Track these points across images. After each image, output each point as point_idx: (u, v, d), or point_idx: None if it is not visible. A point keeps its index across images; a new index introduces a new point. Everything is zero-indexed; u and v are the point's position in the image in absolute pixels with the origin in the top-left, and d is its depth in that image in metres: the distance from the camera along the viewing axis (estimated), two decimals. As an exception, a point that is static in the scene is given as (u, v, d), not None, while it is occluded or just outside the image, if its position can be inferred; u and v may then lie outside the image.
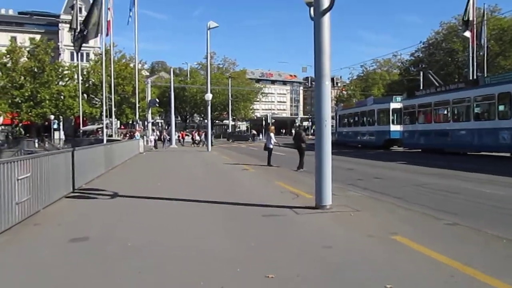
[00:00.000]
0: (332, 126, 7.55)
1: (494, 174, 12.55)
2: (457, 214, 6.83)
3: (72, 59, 56.15)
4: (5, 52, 48.65)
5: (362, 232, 5.46)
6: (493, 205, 7.88)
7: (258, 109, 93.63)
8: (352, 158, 21.02)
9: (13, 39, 52.70)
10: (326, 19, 6.82)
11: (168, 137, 39.26)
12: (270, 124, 35.87)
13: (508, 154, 18.12)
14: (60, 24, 59.80)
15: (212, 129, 38.83)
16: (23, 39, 53.84)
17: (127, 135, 44.00)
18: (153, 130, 42.57)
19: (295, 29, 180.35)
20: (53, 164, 7.85)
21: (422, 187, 10.42)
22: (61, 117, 51.02)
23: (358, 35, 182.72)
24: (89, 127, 52.51)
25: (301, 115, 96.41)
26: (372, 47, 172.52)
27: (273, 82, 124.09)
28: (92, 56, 56.71)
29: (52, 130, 49.22)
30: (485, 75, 27.34)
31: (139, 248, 4.85)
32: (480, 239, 5.12)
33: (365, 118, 32.38)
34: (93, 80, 52.23)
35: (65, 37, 57.27)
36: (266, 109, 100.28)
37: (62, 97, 49.88)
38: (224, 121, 77.18)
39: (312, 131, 61.85)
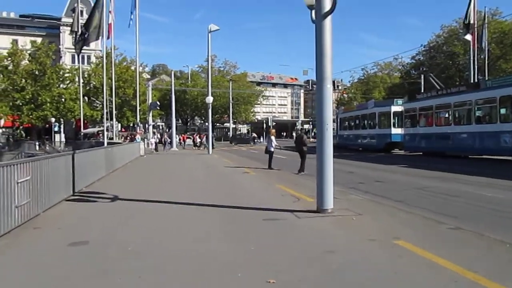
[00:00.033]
0: (332, 129, 7.51)
1: (495, 177, 12.52)
2: (457, 218, 6.81)
3: (73, 62, 56.22)
4: (7, 54, 48.77)
5: (363, 236, 5.43)
6: (493, 208, 7.86)
7: (259, 112, 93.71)
8: (353, 161, 20.98)
9: (15, 42, 52.83)
10: (328, 22, 6.80)
11: (169, 140, 39.24)
12: (271, 127, 35.82)
13: (509, 158, 18.06)
14: (61, 27, 59.84)
15: (213, 132, 38.83)
16: (25, 42, 53.90)
17: (128, 138, 44.03)
18: (154, 133, 42.53)
19: (296, 32, 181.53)
20: (53, 167, 7.83)
21: (423, 191, 10.39)
22: (62, 119, 51.09)
23: (359, 37, 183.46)
24: (90, 130, 52.53)
25: (302, 118, 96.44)
26: (373, 49, 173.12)
27: (274, 85, 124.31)
28: (93, 59, 56.79)
29: (53, 132, 49.30)
30: (486, 78, 27.30)
31: (140, 252, 4.82)
32: (482, 243, 5.09)
33: (366, 121, 32.34)
34: (94, 83, 52.27)
35: (66, 40, 57.29)
36: (267, 112, 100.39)
37: (63, 99, 49.92)
38: (225, 124, 77.17)
39: (313, 134, 61.86)
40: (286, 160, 20.65)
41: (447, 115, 23.07)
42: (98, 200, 8.79)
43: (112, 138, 34.70)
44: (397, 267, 4.23)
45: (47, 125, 50.47)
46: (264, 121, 68.85)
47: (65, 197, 8.61)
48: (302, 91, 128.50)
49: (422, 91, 34.53)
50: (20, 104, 48.01)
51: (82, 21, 29.51)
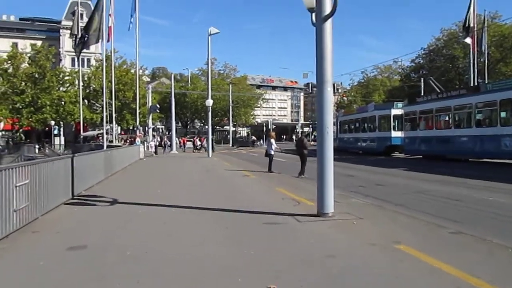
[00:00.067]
0: (333, 132, 7.47)
1: (495, 181, 12.48)
2: (458, 222, 6.79)
3: (73, 65, 56.30)
4: (6, 58, 48.80)
5: (364, 241, 5.39)
6: (494, 212, 7.82)
7: (258, 115, 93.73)
8: (353, 164, 20.96)
9: (14, 45, 52.91)
10: (328, 25, 6.78)
11: (169, 142, 39.24)
12: (271, 130, 35.78)
13: (510, 161, 18.02)
14: (61, 30, 60.00)
15: (212, 134, 38.81)
16: (25, 45, 54.02)
17: (128, 141, 44.02)
18: (153, 136, 42.52)
19: (296, 35, 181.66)
20: (52, 170, 7.79)
21: (424, 194, 10.36)
22: (61, 122, 51.05)
23: (359, 40, 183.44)
24: (90, 133, 52.54)
25: (301, 121, 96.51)
26: (373, 52, 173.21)
27: (274, 88, 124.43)
28: (93, 62, 56.88)
29: (53, 135, 49.23)
30: (486, 82, 27.33)
31: (138, 256, 4.78)
32: (484, 248, 5.05)
33: (366, 124, 32.35)
34: (94, 86, 52.32)
35: (66, 43, 57.39)
36: (266, 115, 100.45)
37: (62, 102, 49.93)
38: (225, 127, 77.20)
39: (313, 137, 61.86)
40: (286, 163, 20.62)
41: (447, 118, 23.07)
42: (97, 204, 8.74)
43: (111, 141, 34.75)
44: (398, 271, 4.19)
45: (47, 128, 50.43)
46: (264, 124, 68.83)
47: (64, 201, 8.56)
48: (302, 94, 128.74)
49: (422, 94, 34.58)
50: (20, 107, 47.99)
51: (82, 24, 29.60)
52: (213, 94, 38.18)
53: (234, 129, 74.89)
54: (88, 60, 57.35)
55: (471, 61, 30.02)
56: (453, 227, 6.18)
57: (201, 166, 20.32)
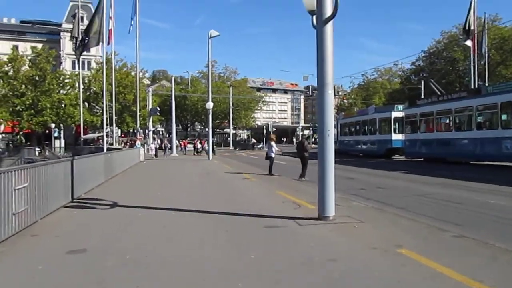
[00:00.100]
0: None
1: (496, 183, 12.45)
2: (460, 225, 6.76)
3: (73, 67, 56.31)
4: (7, 60, 48.86)
5: (366, 244, 5.36)
6: (496, 215, 7.80)
7: (259, 118, 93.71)
8: (354, 167, 20.92)
9: (15, 47, 52.99)
10: (329, 27, 6.76)
11: (169, 145, 39.21)
12: (271, 133, 35.75)
13: (511, 164, 17.99)
14: (61, 33, 60.02)
15: (213, 137, 38.78)
16: (25, 48, 54.05)
17: (128, 143, 43.99)
18: (154, 138, 42.51)
19: (297, 38, 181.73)
20: (51, 173, 7.76)
21: (424, 197, 10.33)
22: (62, 125, 51.08)
23: (359, 42, 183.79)
24: (90, 136, 52.50)
25: (302, 123, 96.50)
26: (373, 55, 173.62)
27: (274, 90, 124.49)
28: (93, 65, 56.90)
29: (53, 138, 49.28)
30: (487, 84, 27.30)
31: (138, 260, 4.74)
32: (487, 252, 5.01)
33: (366, 127, 32.33)
34: (94, 89, 52.32)
35: (67, 45, 57.43)
36: (267, 118, 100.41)
37: (63, 105, 49.94)
38: (225, 130, 77.16)
39: (313, 139, 61.83)
40: (286, 166, 20.59)
41: (448, 121, 23.03)
42: (97, 207, 8.71)
43: (112, 144, 34.69)
44: (400, 276, 4.16)
45: (47, 131, 50.44)
46: (264, 126, 68.77)
47: (63, 204, 8.53)
48: (302, 96, 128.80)
49: (423, 97, 34.54)
50: (20, 109, 48.02)
51: (82, 27, 29.65)
52: (213, 96, 38.18)
53: (234, 131, 74.88)
54: (89, 63, 57.37)
55: (472, 64, 30.00)
56: (455, 230, 6.15)
57: (201, 169, 20.29)
